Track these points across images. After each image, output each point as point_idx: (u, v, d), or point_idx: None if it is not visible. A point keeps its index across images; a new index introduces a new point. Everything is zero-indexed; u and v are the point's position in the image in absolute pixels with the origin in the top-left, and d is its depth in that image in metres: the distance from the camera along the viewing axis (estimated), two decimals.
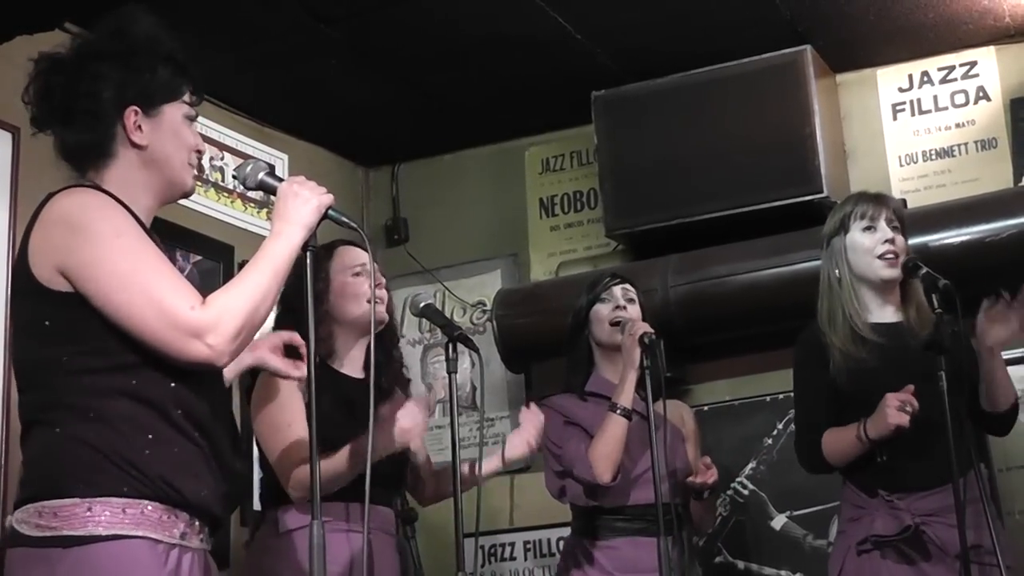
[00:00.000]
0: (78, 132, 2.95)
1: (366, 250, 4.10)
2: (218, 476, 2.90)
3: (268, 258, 2.86)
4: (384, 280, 4.09)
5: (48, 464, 2.79)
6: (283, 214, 2.91)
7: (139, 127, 2.94)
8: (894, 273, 4.10)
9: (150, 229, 3.02)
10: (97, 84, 2.93)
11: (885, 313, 4.16)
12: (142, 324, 2.76)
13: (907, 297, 4.14)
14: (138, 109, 2.94)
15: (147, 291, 2.75)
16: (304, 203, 2.91)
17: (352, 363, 4.01)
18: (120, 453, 2.75)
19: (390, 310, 4.13)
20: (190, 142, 3.02)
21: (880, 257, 4.11)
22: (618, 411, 4.27)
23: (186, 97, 3.03)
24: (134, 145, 2.95)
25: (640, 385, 4.21)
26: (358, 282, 3.99)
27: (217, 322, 2.73)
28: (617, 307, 4.45)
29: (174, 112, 3.00)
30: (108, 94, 2.93)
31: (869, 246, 4.13)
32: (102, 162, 2.96)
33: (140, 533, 2.73)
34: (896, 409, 3.86)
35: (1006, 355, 5.04)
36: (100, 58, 2.96)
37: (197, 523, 2.86)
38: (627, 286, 4.53)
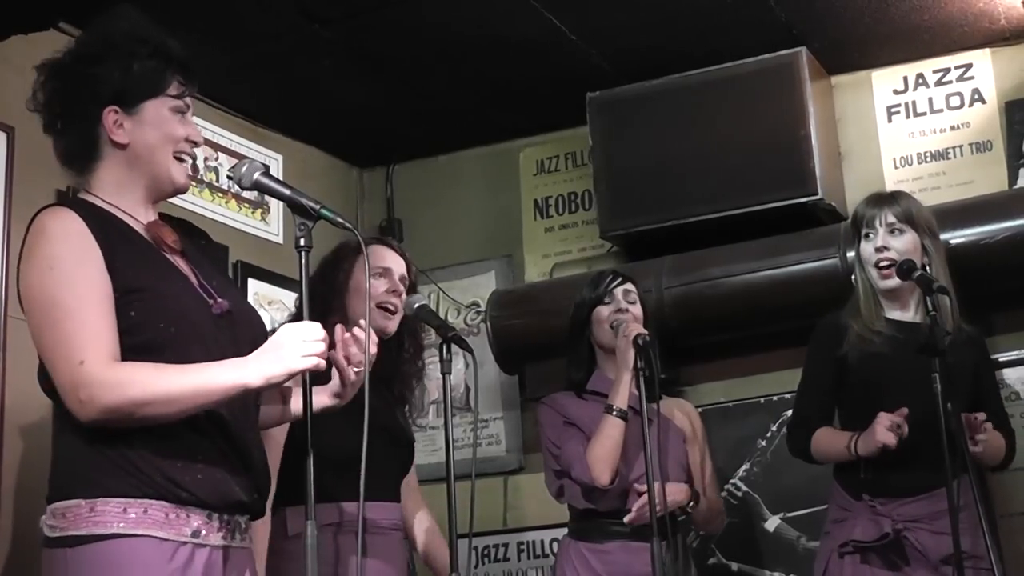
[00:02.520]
0: (68, 137, 3.00)
1: (399, 254, 4.11)
2: (237, 465, 2.90)
3: (206, 376, 2.77)
4: (402, 289, 4.05)
5: (59, 467, 2.86)
6: (262, 352, 2.81)
7: (120, 126, 2.95)
8: (889, 284, 4.12)
9: (153, 222, 3.02)
10: (79, 88, 2.96)
11: (906, 313, 4.19)
12: (48, 361, 2.82)
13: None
14: (117, 108, 2.95)
15: (54, 332, 2.78)
16: (278, 359, 2.78)
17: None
18: (122, 454, 2.77)
19: (406, 322, 4.07)
20: (177, 134, 3.01)
21: (876, 266, 4.13)
22: (613, 413, 4.27)
23: (172, 90, 3.02)
24: (116, 144, 2.96)
25: (638, 386, 4.22)
26: (376, 284, 3.97)
27: (98, 385, 2.72)
28: (619, 310, 4.45)
29: (157, 107, 2.99)
30: (88, 97, 2.95)
31: (867, 256, 4.16)
32: (92, 165, 2.99)
33: (142, 532, 2.74)
34: (886, 428, 3.89)
35: (1006, 356, 5.08)
36: (82, 61, 2.98)
37: (217, 519, 2.86)
38: (628, 286, 4.53)
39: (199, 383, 2.76)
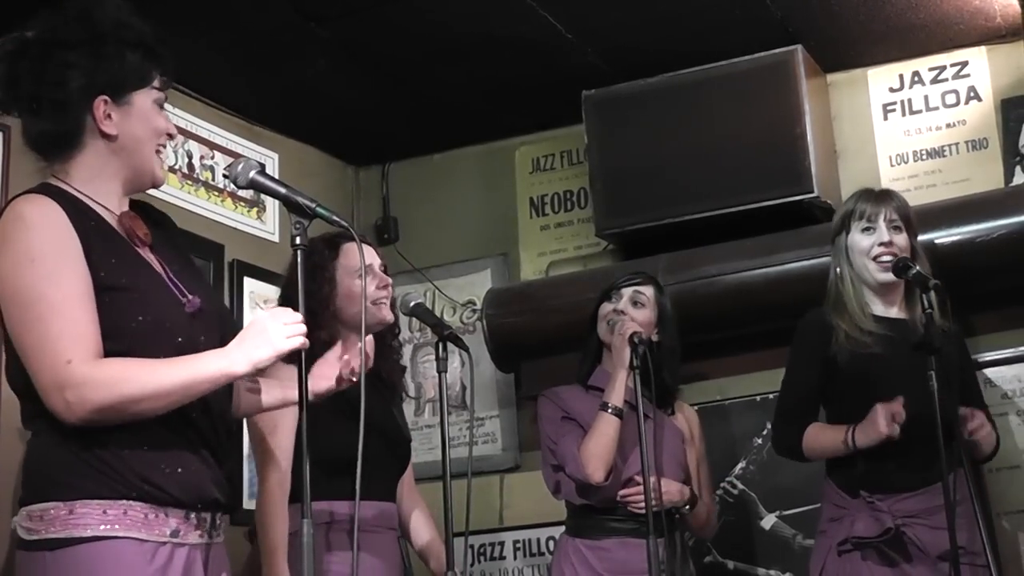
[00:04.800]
0: (45, 122, 2.92)
1: (369, 244, 4.12)
2: (211, 462, 2.89)
3: (194, 368, 2.77)
4: (390, 280, 4.07)
5: (34, 468, 2.82)
6: (243, 340, 2.82)
7: (109, 116, 2.91)
8: (888, 277, 4.11)
9: (126, 213, 2.99)
10: (65, 73, 2.89)
11: (890, 310, 4.20)
12: (29, 360, 2.77)
13: (911, 295, 4.15)
14: (108, 98, 2.91)
15: (38, 329, 2.74)
16: (264, 343, 2.79)
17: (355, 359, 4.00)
18: (98, 455, 2.75)
19: (393, 310, 4.10)
20: (160, 128, 2.99)
21: (875, 260, 4.13)
22: (609, 410, 4.28)
23: (156, 83, 2.99)
24: (104, 135, 2.92)
25: (636, 383, 4.23)
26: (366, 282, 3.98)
27: (86, 384, 2.69)
28: (615, 310, 4.46)
29: (144, 99, 2.97)
30: (77, 84, 2.89)
31: (865, 248, 4.15)
32: (69, 152, 2.93)
33: (122, 533, 2.72)
34: (886, 419, 3.89)
35: (1001, 354, 5.08)
36: (67, 46, 2.91)
37: (195, 517, 2.85)
38: (640, 288, 4.53)
39: (188, 375, 2.75)
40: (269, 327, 2.80)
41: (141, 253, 2.97)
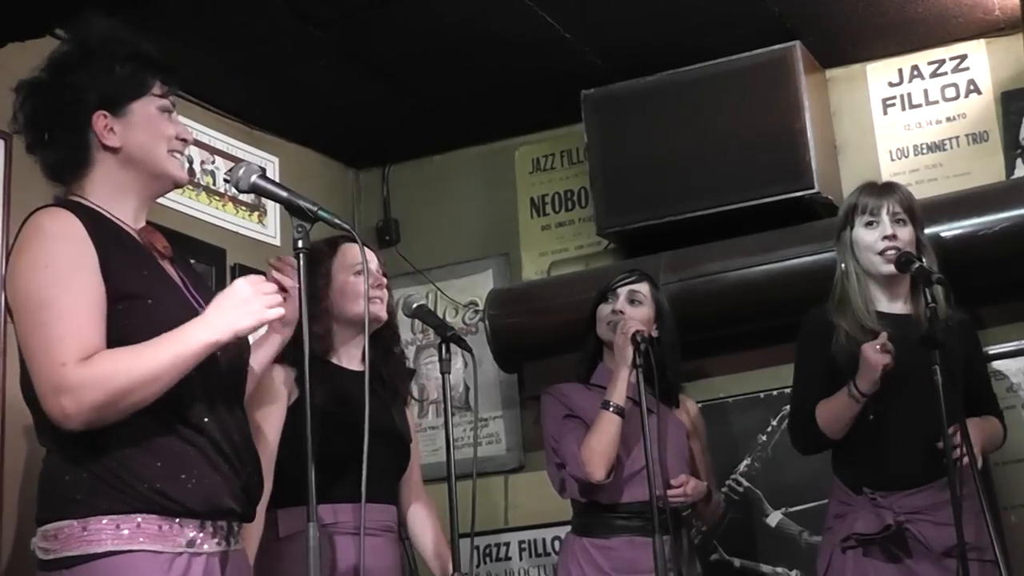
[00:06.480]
0: (58, 151, 2.97)
1: (369, 249, 4.13)
2: (226, 471, 2.89)
3: (177, 342, 2.77)
4: (386, 280, 4.08)
5: (47, 487, 2.84)
6: (221, 306, 2.83)
7: (111, 130, 2.93)
8: (892, 269, 4.11)
9: (145, 228, 3.01)
10: (62, 98, 2.94)
11: (895, 305, 4.19)
12: (30, 365, 2.78)
13: (916, 289, 4.14)
14: (106, 113, 2.94)
15: (41, 332, 2.75)
16: (247, 312, 2.81)
17: (351, 359, 4.02)
18: (109, 470, 2.76)
19: (390, 310, 4.11)
20: (168, 132, 3.00)
21: (880, 253, 4.12)
22: (610, 408, 4.27)
23: (156, 90, 3.02)
24: (108, 148, 2.94)
25: (639, 380, 4.23)
26: (359, 281, 3.97)
27: (80, 387, 2.70)
28: (614, 310, 4.46)
29: (145, 108, 2.99)
30: (73, 105, 2.93)
31: (870, 242, 4.15)
32: (82, 172, 2.97)
33: (137, 547, 2.73)
34: (875, 351, 3.89)
35: (1006, 347, 5.08)
36: (63, 71, 2.96)
37: (211, 526, 2.85)
38: (636, 286, 4.53)
39: (173, 353, 2.76)
40: (250, 296, 2.82)
41: (162, 264, 2.99)
